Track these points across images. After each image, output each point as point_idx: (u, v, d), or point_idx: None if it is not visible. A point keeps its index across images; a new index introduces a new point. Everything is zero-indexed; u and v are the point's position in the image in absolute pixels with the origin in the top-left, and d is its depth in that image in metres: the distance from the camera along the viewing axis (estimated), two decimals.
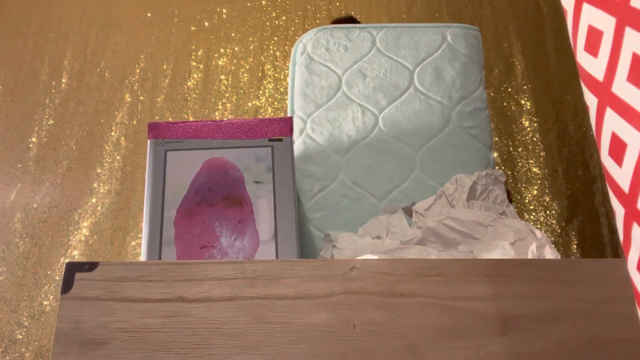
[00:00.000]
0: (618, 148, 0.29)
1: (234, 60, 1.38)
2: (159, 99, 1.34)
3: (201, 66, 1.37)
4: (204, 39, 1.40)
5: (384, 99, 0.89)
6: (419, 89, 0.89)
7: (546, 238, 0.57)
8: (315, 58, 0.93)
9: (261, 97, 1.34)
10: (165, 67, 1.38)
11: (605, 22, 0.30)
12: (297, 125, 0.88)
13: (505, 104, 1.32)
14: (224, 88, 1.35)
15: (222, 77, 1.36)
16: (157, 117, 1.32)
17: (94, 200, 1.24)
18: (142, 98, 1.34)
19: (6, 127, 1.32)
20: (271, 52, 1.38)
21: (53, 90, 1.35)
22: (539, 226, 1.20)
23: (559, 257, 0.55)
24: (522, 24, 1.40)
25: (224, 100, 1.34)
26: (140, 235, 1.20)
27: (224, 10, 1.44)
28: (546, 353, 0.46)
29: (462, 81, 0.90)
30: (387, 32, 0.94)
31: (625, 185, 0.29)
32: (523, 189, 1.24)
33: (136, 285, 0.49)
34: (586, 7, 0.32)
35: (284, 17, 1.42)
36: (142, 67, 1.38)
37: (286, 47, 1.38)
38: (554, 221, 1.20)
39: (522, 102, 1.32)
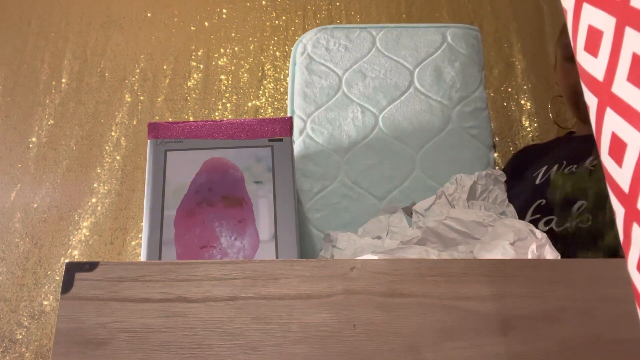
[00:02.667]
0: (618, 148, 0.29)
1: (234, 60, 1.38)
2: (159, 99, 1.34)
3: (201, 66, 1.37)
4: (204, 39, 1.40)
5: (384, 99, 0.89)
6: (419, 89, 0.89)
7: (546, 238, 0.57)
8: (315, 58, 0.93)
9: (261, 97, 1.33)
10: (165, 67, 1.37)
11: (605, 22, 0.30)
12: (297, 125, 0.88)
13: (505, 104, 1.32)
14: (224, 88, 1.35)
15: (222, 77, 1.36)
16: (157, 117, 1.32)
17: (94, 200, 1.24)
18: (142, 98, 1.34)
19: (6, 127, 1.32)
20: (271, 52, 1.38)
21: (53, 90, 1.35)
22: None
23: (559, 257, 0.55)
24: (522, 24, 1.40)
25: (224, 100, 1.34)
26: (140, 235, 1.20)
27: (224, 10, 1.44)
28: (546, 353, 0.46)
29: (462, 81, 0.90)
30: (387, 32, 0.94)
31: (625, 185, 0.29)
32: None
33: (136, 285, 0.49)
34: (586, 7, 0.32)
35: (284, 17, 1.42)
36: (142, 67, 1.38)
37: (286, 47, 1.38)
38: None
39: (522, 102, 1.32)
